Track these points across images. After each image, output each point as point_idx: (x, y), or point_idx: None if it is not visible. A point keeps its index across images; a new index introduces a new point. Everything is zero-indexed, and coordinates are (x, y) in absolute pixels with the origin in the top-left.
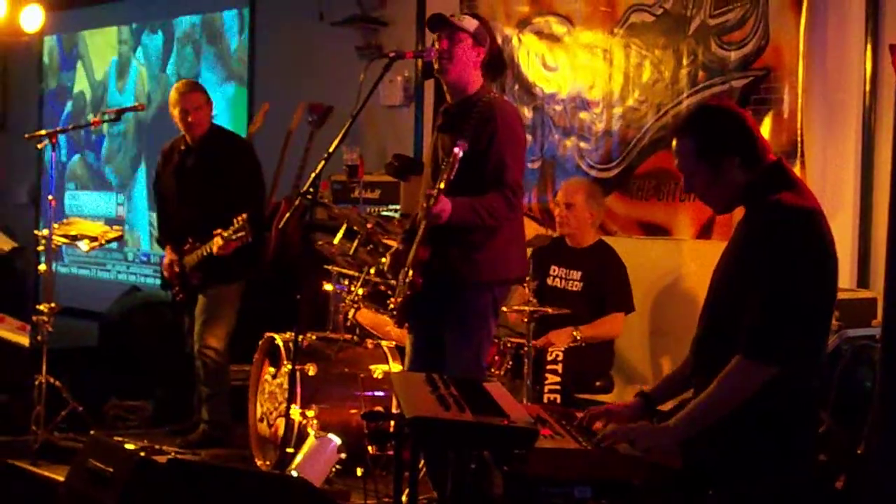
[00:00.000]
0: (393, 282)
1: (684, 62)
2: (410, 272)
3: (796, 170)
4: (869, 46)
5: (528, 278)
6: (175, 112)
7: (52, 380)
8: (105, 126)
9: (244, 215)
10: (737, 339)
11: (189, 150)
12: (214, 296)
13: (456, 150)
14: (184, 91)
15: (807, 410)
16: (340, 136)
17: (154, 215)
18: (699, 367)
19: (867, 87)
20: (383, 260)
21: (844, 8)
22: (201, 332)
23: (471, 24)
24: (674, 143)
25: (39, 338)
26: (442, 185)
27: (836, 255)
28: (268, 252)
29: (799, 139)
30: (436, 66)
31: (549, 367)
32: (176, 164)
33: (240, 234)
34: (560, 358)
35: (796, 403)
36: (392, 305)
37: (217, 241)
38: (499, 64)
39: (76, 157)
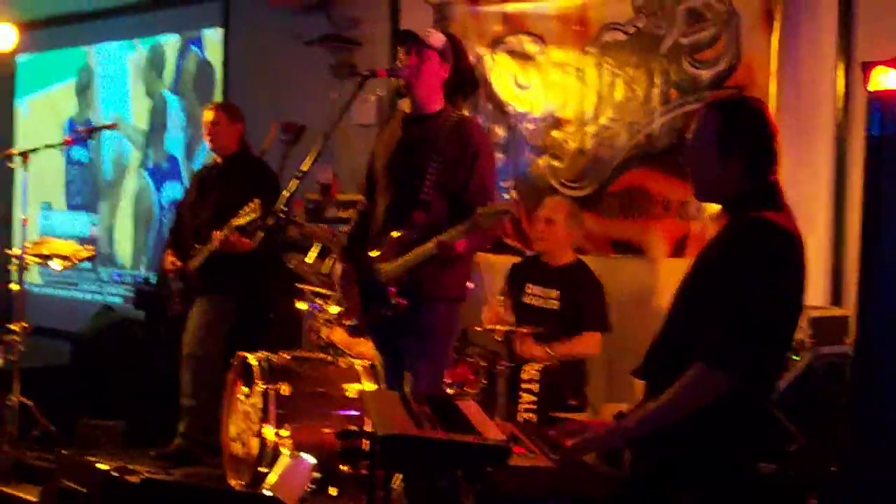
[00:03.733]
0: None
1: (657, 81)
2: (395, 298)
3: None
4: (841, 65)
5: (503, 296)
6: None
7: (24, 399)
8: None
9: (257, 199)
10: (696, 342)
11: (215, 166)
12: (210, 305)
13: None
14: (212, 107)
15: (764, 423)
16: (314, 154)
17: None
18: (652, 365)
19: (840, 105)
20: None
21: (816, 26)
22: (190, 339)
23: (438, 40)
24: (702, 110)
25: (12, 357)
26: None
27: (805, 280)
28: (264, 267)
29: None
30: (402, 82)
31: (524, 385)
32: (202, 177)
33: (251, 216)
34: (536, 377)
35: (754, 417)
36: (348, 321)
37: (222, 231)
38: (471, 82)
39: None
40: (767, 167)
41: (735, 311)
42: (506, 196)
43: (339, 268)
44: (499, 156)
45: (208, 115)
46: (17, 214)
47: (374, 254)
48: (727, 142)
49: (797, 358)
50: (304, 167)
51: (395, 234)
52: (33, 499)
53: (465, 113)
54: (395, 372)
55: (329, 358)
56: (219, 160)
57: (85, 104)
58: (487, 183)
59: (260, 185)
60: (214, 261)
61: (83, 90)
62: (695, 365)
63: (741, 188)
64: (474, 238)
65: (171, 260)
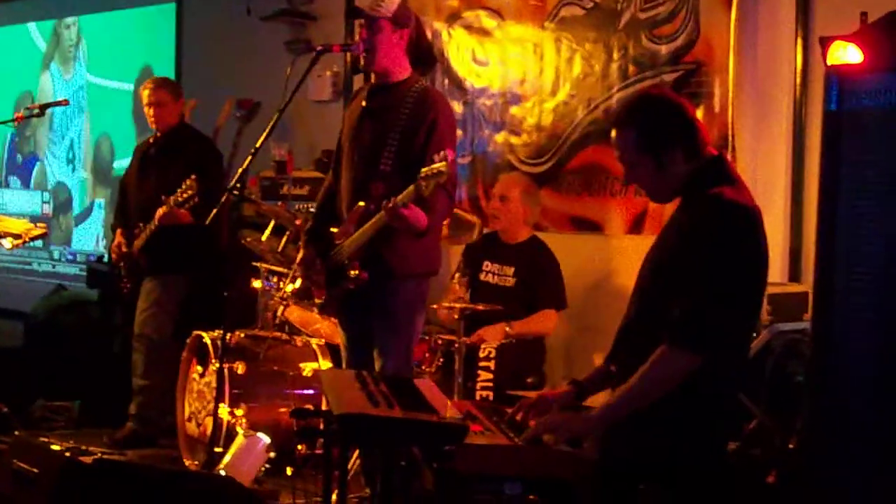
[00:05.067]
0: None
1: (615, 56)
2: (354, 271)
3: None
4: (799, 40)
5: (458, 274)
6: (144, 106)
7: None
8: None
9: (193, 176)
10: (662, 326)
11: (156, 142)
12: (158, 284)
13: (441, 156)
14: (151, 87)
15: (729, 404)
16: (268, 131)
17: None
18: (621, 351)
19: (798, 81)
20: (295, 266)
21: (775, 1)
22: (141, 320)
23: (389, 7)
24: (613, 134)
25: None
26: (426, 192)
27: (767, 253)
28: (217, 245)
29: (730, 133)
30: (361, 60)
31: (481, 363)
32: (142, 153)
33: (188, 194)
34: (493, 355)
35: (719, 397)
36: (319, 299)
37: (164, 208)
38: (429, 58)
39: None
40: (701, 141)
41: (697, 288)
42: (439, 158)
43: (300, 253)
44: (457, 132)
45: (151, 96)
46: None
47: (334, 230)
48: (653, 142)
49: (756, 335)
50: (259, 144)
51: (358, 206)
52: None
53: (428, 84)
54: (359, 350)
55: (285, 337)
56: (158, 135)
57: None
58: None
59: (201, 159)
60: (159, 239)
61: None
62: (661, 346)
63: (689, 170)
64: (420, 211)
65: (117, 242)
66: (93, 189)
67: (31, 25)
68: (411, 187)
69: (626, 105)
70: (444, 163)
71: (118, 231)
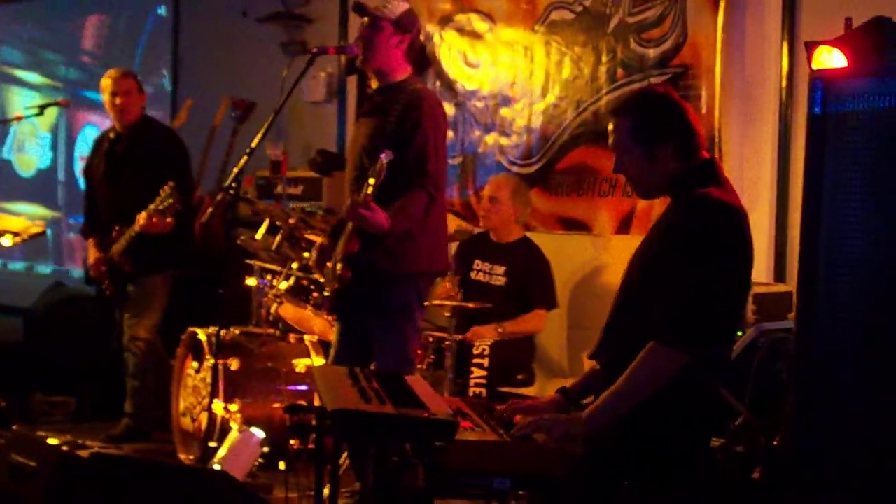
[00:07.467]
0: (317, 276)
1: (604, 59)
2: (339, 265)
3: None
4: (785, 44)
5: (450, 272)
6: (106, 97)
7: None
8: None
9: (170, 183)
10: (649, 322)
11: (119, 137)
12: (144, 286)
13: (382, 157)
14: (115, 76)
15: (711, 399)
16: (263, 131)
17: None
18: (606, 346)
19: (784, 84)
20: (306, 255)
21: (761, 5)
22: (130, 323)
23: (394, 10)
24: (612, 121)
25: None
26: (370, 191)
27: (752, 254)
28: (195, 241)
29: (716, 135)
30: (359, 57)
31: (475, 360)
32: (105, 150)
33: (168, 202)
34: (486, 352)
35: (701, 393)
36: (312, 300)
37: (143, 214)
38: (422, 60)
39: None
40: (696, 144)
41: (686, 288)
42: (383, 157)
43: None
44: (447, 132)
45: (119, 85)
46: None
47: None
48: (647, 135)
49: (741, 334)
50: (254, 144)
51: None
52: None
53: (423, 86)
54: (348, 343)
55: (278, 333)
56: (119, 130)
57: None
58: (427, 151)
59: (170, 154)
60: (140, 241)
61: None
62: (649, 345)
63: (678, 171)
64: (381, 213)
65: (92, 254)
66: None
67: None
68: (365, 188)
69: (630, 94)
70: (380, 161)
71: (91, 241)
